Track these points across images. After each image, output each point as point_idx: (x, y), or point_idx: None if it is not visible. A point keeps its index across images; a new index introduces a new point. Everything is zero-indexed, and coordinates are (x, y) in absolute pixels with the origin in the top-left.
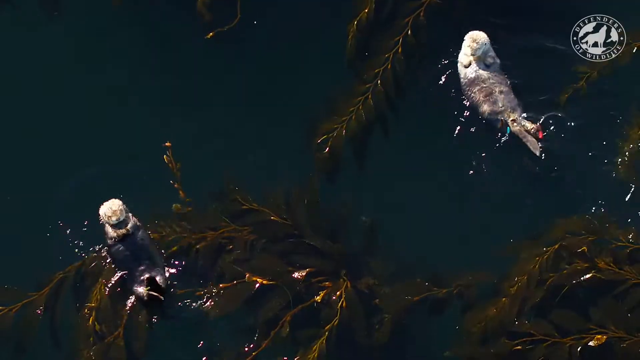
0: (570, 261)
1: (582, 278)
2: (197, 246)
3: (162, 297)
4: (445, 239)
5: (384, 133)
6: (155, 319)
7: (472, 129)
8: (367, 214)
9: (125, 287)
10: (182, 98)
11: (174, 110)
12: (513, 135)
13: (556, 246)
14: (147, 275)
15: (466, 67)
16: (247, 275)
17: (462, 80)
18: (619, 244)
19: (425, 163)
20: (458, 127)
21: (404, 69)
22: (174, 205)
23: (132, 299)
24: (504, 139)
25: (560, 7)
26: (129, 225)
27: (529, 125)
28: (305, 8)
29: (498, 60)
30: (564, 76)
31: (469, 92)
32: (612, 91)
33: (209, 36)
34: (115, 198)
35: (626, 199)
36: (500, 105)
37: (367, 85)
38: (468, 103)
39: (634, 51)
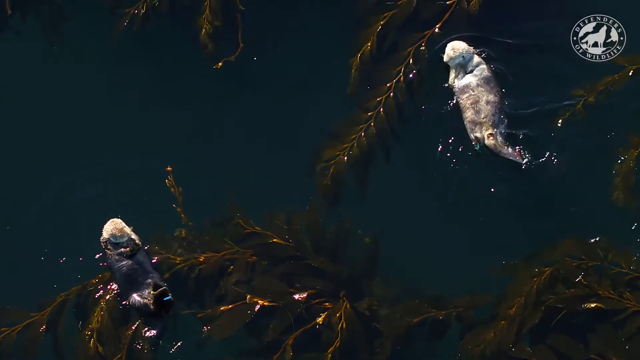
0: (569, 287)
1: (582, 307)
2: (199, 268)
3: (170, 297)
4: (445, 261)
5: (385, 159)
6: (157, 338)
7: (472, 153)
8: (368, 237)
9: (127, 306)
10: (185, 123)
11: (176, 134)
12: (487, 150)
13: (552, 268)
14: (155, 282)
15: (451, 82)
16: (248, 297)
17: (454, 89)
18: (618, 270)
19: (425, 188)
20: (458, 152)
21: (406, 97)
22: (176, 230)
23: (135, 319)
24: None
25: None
26: (137, 239)
27: (503, 149)
28: (308, 36)
29: (483, 66)
30: (563, 79)
31: (459, 100)
32: (608, 113)
33: (218, 66)
34: (113, 218)
35: (632, 228)
36: (483, 116)
37: (370, 114)
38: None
39: (630, 74)
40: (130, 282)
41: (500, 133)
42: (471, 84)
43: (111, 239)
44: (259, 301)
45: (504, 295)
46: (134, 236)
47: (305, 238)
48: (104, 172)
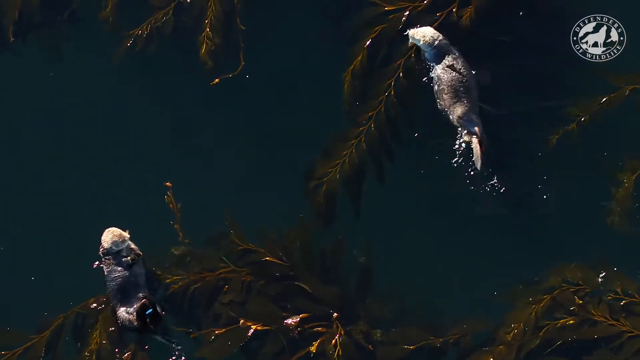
0: (566, 312)
1: (577, 337)
2: (194, 286)
3: (152, 310)
4: (441, 283)
5: (378, 175)
6: (167, 340)
7: (468, 170)
8: (362, 256)
9: (118, 323)
10: (182, 139)
11: (172, 151)
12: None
13: (549, 296)
14: (144, 296)
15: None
16: (242, 322)
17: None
18: (615, 296)
19: (420, 205)
20: (454, 169)
21: (398, 111)
22: (173, 248)
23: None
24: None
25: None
26: (137, 249)
27: (473, 142)
28: (304, 54)
29: (438, 65)
30: (562, 80)
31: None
32: (604, 135)
33: (215, 82)
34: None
35: (628, 252)
36: (452, 118)
37: (361, 129)
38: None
39: (626, 94)
40: (123, 296)
41: (468, 122)
42: (434, 91)
43: (113, 247)
44: (252, 326)
45: (503, 321)
46: (132, 245)
47: (299, 256)
48: (101, 188)
